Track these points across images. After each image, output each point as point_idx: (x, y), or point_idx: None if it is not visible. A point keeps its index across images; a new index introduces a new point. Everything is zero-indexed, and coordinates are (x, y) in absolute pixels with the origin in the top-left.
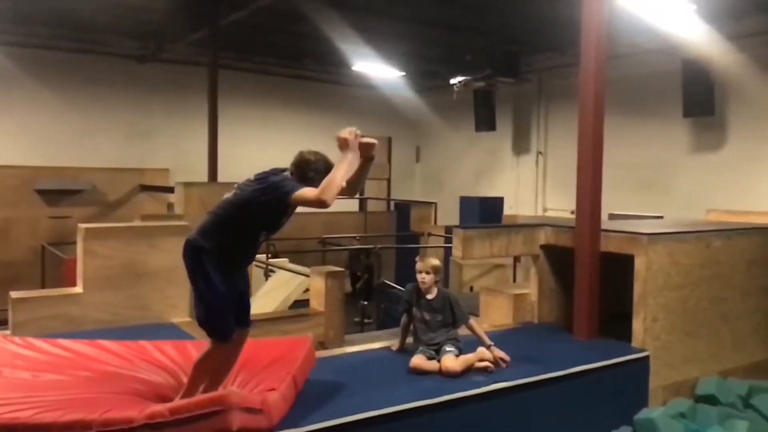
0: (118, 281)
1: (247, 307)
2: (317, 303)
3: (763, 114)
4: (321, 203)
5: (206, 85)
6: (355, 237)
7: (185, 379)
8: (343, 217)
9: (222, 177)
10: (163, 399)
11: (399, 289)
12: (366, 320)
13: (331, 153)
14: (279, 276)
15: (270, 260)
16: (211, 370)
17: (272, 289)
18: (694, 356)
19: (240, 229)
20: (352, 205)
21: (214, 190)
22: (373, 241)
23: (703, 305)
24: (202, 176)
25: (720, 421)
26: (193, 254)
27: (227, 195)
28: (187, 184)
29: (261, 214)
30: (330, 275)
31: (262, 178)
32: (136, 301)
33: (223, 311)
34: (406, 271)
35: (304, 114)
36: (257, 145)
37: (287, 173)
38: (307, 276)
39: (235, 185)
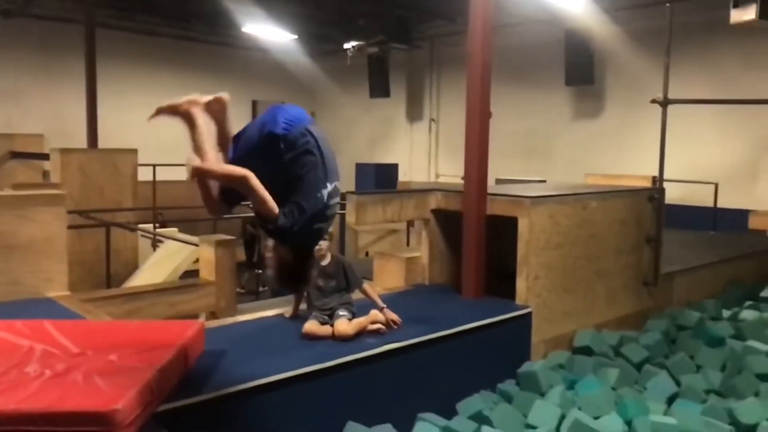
0: None
1: None
2: (207, 273)
3: (636, 83)
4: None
5: (83, 44)
6: (248, 205)
7: (65, 362)
8: None
9: (103, 143)
10: (44, 381)
11: None
12: (261, 288)
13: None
14: (168, 246)
15: (158, 230)
16: None
17: (161, 260)
18: (572, 311)
19: None
20: None
21: (95, 156)
22: None
23: (580, 263)
24: (81, 142)
25: (594, 369)
26: None
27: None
28: (64, 151)
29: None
30: (220, 244)
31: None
32: (6, 276)
33: None
34: None
35: (193, 77)
36: (143, 110)
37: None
38: (197, 245)
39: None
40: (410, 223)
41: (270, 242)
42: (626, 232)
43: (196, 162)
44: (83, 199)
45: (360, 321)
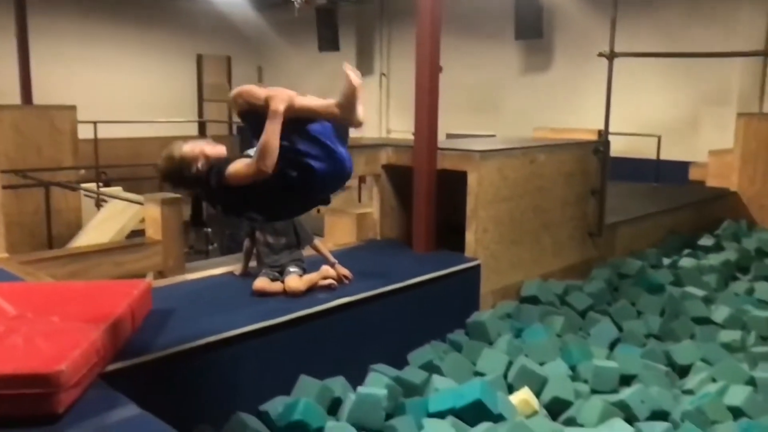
0: None
1: None
2: (154, 232)
3: (584, 37)
4: (262, 173)
5: None
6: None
7: (4, 325)
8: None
9: (39, 99)
10: None
11: None
12: (209, 247)
13: (168, 84)
14: (112, 205)
15: (101, 189)
16: None
17: (105, 220)
18: (519, 262)
19: None
20: (189, 128)
21: (30, 113)
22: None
23: (528, 216)
24: (15, 98)
25: (540, 318)
26: None
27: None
28: None
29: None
30: (166, 203)
31: None
32: None
33: None
34: None
35: (133, 30)
36: (81, 64)
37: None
38: (142, 204)
39: None
40: (362, 179)
41: (212, 151)
42: (572, 184)
43: (299, 101)
44: (19, 158)
45: (311, 277)
